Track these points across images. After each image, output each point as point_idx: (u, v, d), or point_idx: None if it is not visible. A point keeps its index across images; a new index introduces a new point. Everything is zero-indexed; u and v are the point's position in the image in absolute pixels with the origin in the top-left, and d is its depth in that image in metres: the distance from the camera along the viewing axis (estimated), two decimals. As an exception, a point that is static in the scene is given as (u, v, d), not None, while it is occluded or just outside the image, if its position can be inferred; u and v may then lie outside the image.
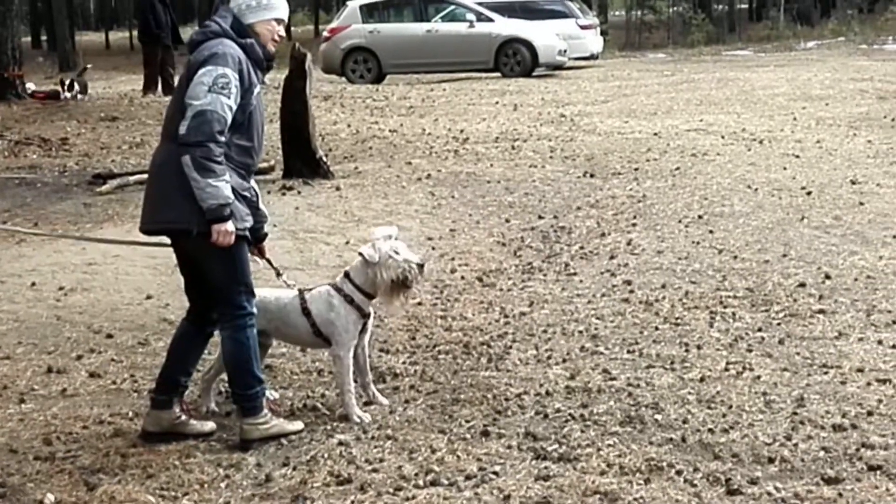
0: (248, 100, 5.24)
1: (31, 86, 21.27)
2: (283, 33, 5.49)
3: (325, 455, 5.14)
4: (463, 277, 8.46)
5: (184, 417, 5.52)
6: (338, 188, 11.28)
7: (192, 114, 5.02)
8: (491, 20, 26.08)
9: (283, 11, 5.46)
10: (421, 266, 5.66)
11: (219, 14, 5.42)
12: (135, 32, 31.92)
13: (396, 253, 5.57)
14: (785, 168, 11.97)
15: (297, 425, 5.49)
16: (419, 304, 7.76)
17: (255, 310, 5.40)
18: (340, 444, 5.27)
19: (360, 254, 5.62)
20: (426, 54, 25.81)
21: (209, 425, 5.52)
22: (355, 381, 5.70)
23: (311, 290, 5.77)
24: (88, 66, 19.82)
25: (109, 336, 7.12)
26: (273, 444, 5.32)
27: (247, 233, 5.31)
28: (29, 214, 10.66)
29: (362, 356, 5.79)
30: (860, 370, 6.00)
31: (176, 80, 22.18)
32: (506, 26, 26.05)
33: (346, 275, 5.68)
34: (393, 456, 5.11)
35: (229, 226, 5.12)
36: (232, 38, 5.25)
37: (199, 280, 5.42)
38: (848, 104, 17.80)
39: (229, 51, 5.17)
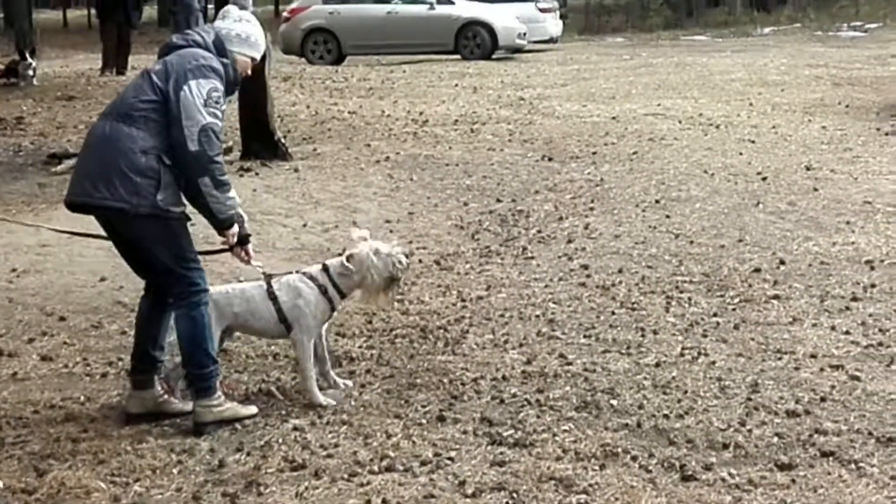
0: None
1: (-14, 63, 20.96)
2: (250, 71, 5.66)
3: (280, 440, 5.12)
4: (420, 261, 8.43)
5: (166, 396, 5.50)
6: (296, 170, 11.23)
7: (198, 130, 5.06)
8: (451, 2, 26.01)
9: (261, 53, 5.64)
10: (406, 256, 5.72)
11: (202, 28, 5.57)
12: (93, 11, 31.55)
13: (377, 253, 5.56)
14: (741, 153, 12.02)
15: (252, 409, 5.45)
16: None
17: (208, 287, 5.37)
18: (295, 429, 5.24)
19: (344, 263, 5.58)
20: (386, 36, 25.70)
21: (192, 403, 5.46)
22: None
23: (275, 275, 5.72)
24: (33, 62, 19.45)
25: (62, 319, 7.05)
26: (227, 428, 5.28)
27: (185, 212, 5.30)
28: (-18, 194, 10.54)
29: (321, 345, 5.76)
30: (813, 356, 6.04)
31: (132, 60, 22.23)
32: (466, 9, 26.00)
33: (325, 269, 5.64)
34: (348, 441, 5.09)
35: (235, 228, 5.36)
36: (212, 54, 5.31)
37: (142, 260, 5.38)
38: (803, 90, 17.90)
39: (216, 65, 5.26)
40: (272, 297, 5.56)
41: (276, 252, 8.46)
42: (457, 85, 19.43)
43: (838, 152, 12.08)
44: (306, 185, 10.60)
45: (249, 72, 5.61)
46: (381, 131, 14.06)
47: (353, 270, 5.56)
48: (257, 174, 11.01)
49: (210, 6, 24.15)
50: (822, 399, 5.43)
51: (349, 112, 15.84)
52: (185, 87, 5.10)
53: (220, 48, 5.36)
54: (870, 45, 28.53)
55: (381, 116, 15.41)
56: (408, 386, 5.78)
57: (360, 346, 6.48)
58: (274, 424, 5.32)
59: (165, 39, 5.76)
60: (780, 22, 40.05)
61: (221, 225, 5.33)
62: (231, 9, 5.62)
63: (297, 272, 5.74)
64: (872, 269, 7.64)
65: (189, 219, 5.34)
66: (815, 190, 9.99)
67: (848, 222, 8.85)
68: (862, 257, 7.89)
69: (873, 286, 7.25)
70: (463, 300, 7.40)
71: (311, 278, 5.60)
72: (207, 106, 5.08)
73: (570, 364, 6.04)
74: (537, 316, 6.99)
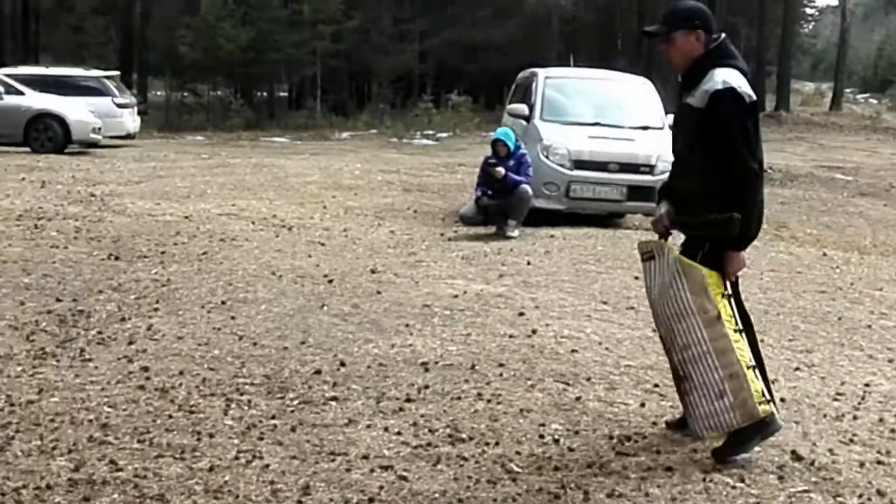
0: None
1: None
2: None
3: None
4: (-37, 364, 7.92)
5: None
6: None
7: None
8: (21, 93, 25.11)
9: None
10: None
11: None
12: None
13: None
14: (310, 255, 12.23)
15: None
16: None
17: None
18: None
19: None
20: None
21: None
22: None
23: None
24: None
25: None
26: None
27: None
28: None
29: None
30: (365, 457, 6.14)
31: None
32: (36, 100, 25.18)
33: None
34: None
35: None
36: None
37: None
38: (375, 195, 18.58)
39: None
40: None
41: None
42: (24, 179, 18.67)
43: (403, 256, 12.55)
44: None
45: None
46: (-66, 225, 13.24)
47: None
48: None
49: None
50: (371, 500, 5.52)
51: None
52: None
53: None
54: (440, 154, 30.19)
55: (-64, 208, 14.52)
56: (-63, 500, 5.38)
57: None
58: None
59: None
60: (358, 127, 41.65)
61: None
62: None
63: None
64: (427, 370, 7.91)
65: None
66: (379, 293, 10.28)
67: (407, 325, 9.14)
68: (418, 359, 8.16)
69: (426, 387, 7.50)
70: (11, 405, 6.99)
71: None
72: None
73: (120, 470, 5.83)
74: (90, 420, 6.69)
